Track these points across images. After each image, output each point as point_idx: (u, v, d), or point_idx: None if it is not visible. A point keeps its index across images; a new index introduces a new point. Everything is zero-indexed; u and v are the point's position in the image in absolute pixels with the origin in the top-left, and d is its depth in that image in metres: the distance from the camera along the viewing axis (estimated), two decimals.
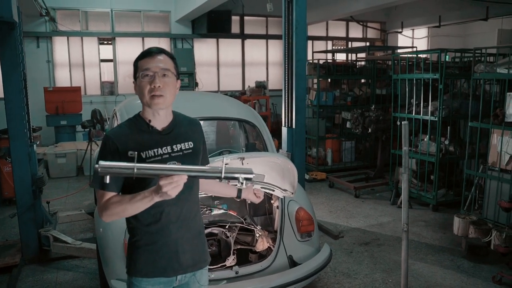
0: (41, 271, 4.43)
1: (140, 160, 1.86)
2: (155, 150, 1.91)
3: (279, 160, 3.13)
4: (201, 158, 2.12)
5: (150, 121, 1.95)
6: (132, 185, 1.85)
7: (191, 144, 2.01)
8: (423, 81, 6.19)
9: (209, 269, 3.27)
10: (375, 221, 5.89)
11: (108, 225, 3.26)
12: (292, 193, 3.39)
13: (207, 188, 2.35)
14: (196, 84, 12.94)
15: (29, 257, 4.56)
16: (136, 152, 1.64)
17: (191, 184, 1.97)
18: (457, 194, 6.20)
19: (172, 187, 1.63)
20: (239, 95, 12.90)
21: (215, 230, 3.65)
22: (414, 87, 6.36)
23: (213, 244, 3.69)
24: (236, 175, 1.71)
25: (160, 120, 1.97)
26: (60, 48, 11.71)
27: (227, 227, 3.64)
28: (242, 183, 1.73)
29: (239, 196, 2.37)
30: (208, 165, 2.23)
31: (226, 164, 1.70)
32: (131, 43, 12.37)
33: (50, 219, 4.97)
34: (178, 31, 12.71)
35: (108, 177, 1.62)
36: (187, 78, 12.65)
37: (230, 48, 13.70)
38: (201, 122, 3.99)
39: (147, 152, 1.90)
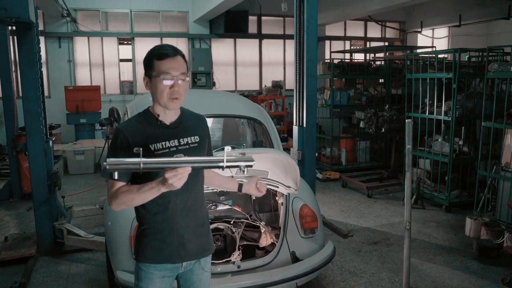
0: (55, 263, 4.58)
1: (149, 152, 1.97)
2: (163, 143, 2.02)
3: (281, 157, 3.17)
4: (206, 152, 2.23)
5: (159, 115, 2.06)
6: (140, 176, 1.93)
7: (197, 138, 2.13)
8: (438, 80, 6.13)
9: (213, 263, 3.38)
10: (386, 221, 5.87)
11: (116, 218, 3.36)
12: (296, 190, 3.43)
13: (211, 182, 2.44)
14: (214, 84, 13.06)
15: (44, 249, 4.72)
16: (141, 148, 1.71)
17: (196, 175, 2.09)
18: (471, 195, 6.12)
19: (177, 179, 1.73)
20: (256, 95, 12.97)
21: (221, 225, 3.71)
22: (428, 87, 6.31)
23: (219, 239, 3.75)
24: (238, 163, 1.81)
25: (169, 115, 2.08)
26: (81, 48, 11.99)
27: (232, 222, 3.70)
28: (243, 171, 1.83)
29: (240, 189, 2.45)
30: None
31: (228, 151, 1.79)
32: (149, 43, 12.52)
33: (65, 213, 5.12)
34: (196, 31, 12.84)
35: (116, 173, 1.74)
36: (205, 78, 12.79)
37: (247, 48, 13.77)
38: (208, 119, 4.09)
39: (155, 144, 2.01)
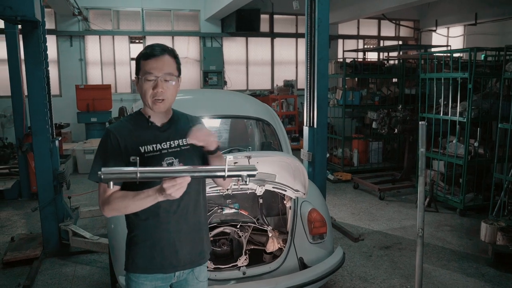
0: (60, 265, 4.53)
1: (139, 154, 1.88)
2: (154, 145, 1.95)
3: (288, 160, 3.06)
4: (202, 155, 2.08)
5: (149, 117, 2.00)
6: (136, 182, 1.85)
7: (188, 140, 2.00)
8: (453, 80, 5.95)
9: (219, 268, 3.29)
10: (398, 224, 5.72)
11: (119, 221, 3.27)
12: (304, 194, 3.32)
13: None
14: (225, 83, 12.99)
15: (50, 250, 4.68)
16: (138, 157, 1.64)
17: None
18: (486, 199, 5.93)
19: (176, 189, 1.66)
20: (268, 94, 12.87)
21: (227, 229, 3.61)
22: (443, 87, 6.14)
23: (225, 243, 3.65)
24: (240, 172, 1.73)
25: (159, 117, 2.01)
26: (92, 46, 12.00)
27: (238, 226, 3.60)
28: (245, 181, 1.74)
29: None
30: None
31: (235, 162, 1.71)
32: (161, 41, 12.22)
33: (71, 214, 5.07)
34: (207, 30, 12.78)
35: (111, 182, 1.65)
36: (216, 77, 12.74)
37: (259, 47, 13.66)
38: (215, 120, 4.00)
39: (146, 147, 1.93)
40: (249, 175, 1.70)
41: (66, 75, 11.68)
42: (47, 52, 4.75)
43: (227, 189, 3.47)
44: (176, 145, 1.99)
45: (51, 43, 11.43)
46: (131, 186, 1.84)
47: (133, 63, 12.43)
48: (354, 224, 5.72)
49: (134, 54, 12.32)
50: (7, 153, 8.42)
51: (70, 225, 4.66)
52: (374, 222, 5.82)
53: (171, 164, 1.95)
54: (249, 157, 2.84)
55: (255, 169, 1.72)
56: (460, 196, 5.99)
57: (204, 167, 1.80)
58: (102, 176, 1.60)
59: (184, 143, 2.01)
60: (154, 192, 1.72)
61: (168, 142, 1.97)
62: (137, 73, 1.97)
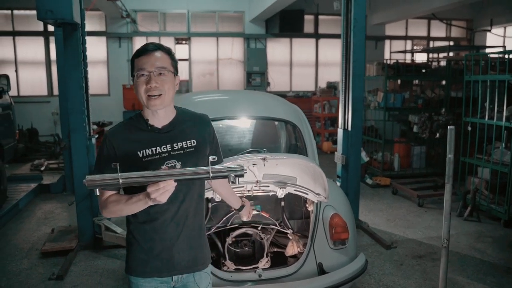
0: (93, 257, 4.70)
1: (137, 159, 1.87)
2: (153, 148, 1.89)
3: (305, 162, 3.01)
4: (213, 156, 2.07)
5: (148, 120, 1.94)
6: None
7: (193, 142, 1.96)
8: (500, 83, 5.63)
9: (239, 269, 3.29)
10: (436, 233, 5.47)
11: None
12: (326, 198, 3.25)
13: (218, 190, 2.42)
14: (268, 84, 13.01)
15: (84, 243, 4.87)
16: (118, 163, 1.63)
17: (190, 184, 1.95)
18: None
19: (160, 193, 1.64)
20: (310, 96, 12.76)
21: (250, 231, 3.60)
22: (489, 90, 5.82)
23: (247, 244, 3.64)
24: (225, 173, 1.70)
25: (159, 118, 1.94)
26: None
27: (259, 228, 3.58)
28: (233, 182, 1.71)
29: (240, 210, 2.56)
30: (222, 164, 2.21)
31: (213, 160, 1.71)
32: (206, 43, 12.75)
33: None
34: (251, 31, 12.85)
35: (97, 189, 1.67)
36: (259, 78, 12.78)
37: (303, 48, 13.56)
38: (239, 121, 4.00)
39: (144, 151, 1.88)
40: (236, 176, 1.67)
41: (115, 75, 12.13)
42: (91, 53, 4.94)
43: (248, 191, 3.47)
44: (179, 147, 1.92)
45: (101, 44, 11.96)
46: (129, 189, 1.84)
47: (179, 63, 12.82)
48: (388, 231, 5.54)
49: (179, 55, 12.58)
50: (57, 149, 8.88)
51: (103, 220, 4.83)
52: (409, 229, 5.61)
53: (173, 168, 1.88)
54: (264, 159, 2.82)
55: (242, 169, 1.68)
56: (505, 206, 5.65)
57: (187, 169, 1.72)
58: (86, 184, 1.61)
59: (189, 145, 1.95)
60: (144, 196, 1.71)
61: (169, 145, 1.91)
62: (132, 74, 1.93)
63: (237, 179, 1.68)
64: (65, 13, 4.15)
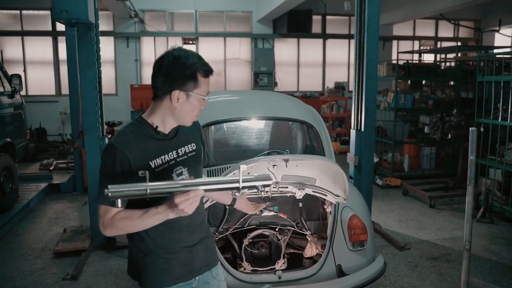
0: (106, 258, 4.70)
1: (149, 170, 1.70)
2: (162, 157, 1.83)
3: (327, 163, 2.98)
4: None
5: (157, 127, 1.85)
6: (142, 200, 1.65)
7: (194, 146, 1.98)
8: None
9: (256, 270, 3.27)
10: (449, 234, 5.45)
11: None
12: (345, 199, 3.22)
13: (208, 194, 2.34)
14: (275, 84, 13.00)
15: (97, 243, 4.86)
16: (147, 171, 1.53)
17: None
18: None
19: (189, 204, 1.56)
20: (318, 96, 12.74)
21: (266, 232, 3.58)
22: (502, 90, 5.78)
23: (264, 246, 3.62)
24: (254, 183, 1.64)
25: (168, 125, 1.88)
26: (147, 47, 12.40)
27: (277, 229, 3.56)
28: (261, 191, 1.68)
29: (232, 204, 2.44)
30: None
31: (243, 170, 1.65)
32: (213, 43, 12.74)
33: None
34: (259, 31, 12.84)
35: (119, 200, 1.53)
36: (267, 78, 12.78)
37: (310, 48, 13.55)
38: (256, 122, 3.98)
39: (155, 160, 1.81)
40: (264, 185, 1.63)
41: (122, 75, 12.15)
42: (100, 53, 4.94)
43: (266, 192, 3.45)
44: (183, 152, 1.90)
45: (109, 44, 11.96)
46: (137, 204, 1.71)
47: None
48: (401, 232, 5.51)
49: None
50: (66, 149, 8.89)
51: None
52: (422, 230, 5.58)
53: (180, 175, 1.86)
54: (286, 160, 2.80)
55: (269, 179, 1.63)
56: None
57: (217, 179, 1.65)
58: (110, 194, 1.48)
59: (191, 149, 1.95)
60: (164, 209, 1.62)
61: (175, 151, 1.87)
62: (187, 88, 1.76)
63: (263, 188, 1.64)
64: (80, 13, 4.16)
